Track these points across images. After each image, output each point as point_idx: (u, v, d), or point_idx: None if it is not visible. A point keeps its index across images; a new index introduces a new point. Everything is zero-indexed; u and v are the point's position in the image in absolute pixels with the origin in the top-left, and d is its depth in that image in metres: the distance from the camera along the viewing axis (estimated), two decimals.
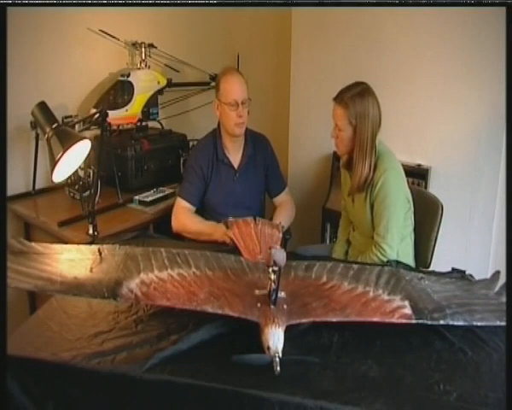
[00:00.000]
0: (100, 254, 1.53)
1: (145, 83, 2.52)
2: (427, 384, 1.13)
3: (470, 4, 1.93)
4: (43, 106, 1.77)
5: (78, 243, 1.74)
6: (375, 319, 1.28)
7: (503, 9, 1.60)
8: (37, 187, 2.34)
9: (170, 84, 2.68)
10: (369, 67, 2.43)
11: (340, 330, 1.30)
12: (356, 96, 1.80)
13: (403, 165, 1.94)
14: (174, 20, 2.90)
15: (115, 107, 2.40)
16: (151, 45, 2.58)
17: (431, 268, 1.95)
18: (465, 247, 2.35)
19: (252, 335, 1.20)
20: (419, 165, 2.40)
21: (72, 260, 1.49)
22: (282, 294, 1.31)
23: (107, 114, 2.02)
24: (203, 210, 2.18)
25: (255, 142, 2.23)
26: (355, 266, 1.57)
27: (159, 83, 2.60)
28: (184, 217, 2.09)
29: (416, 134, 2.42)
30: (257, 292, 1.32)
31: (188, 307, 1.27)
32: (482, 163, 2.25)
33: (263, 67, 3.32)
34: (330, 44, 2.63)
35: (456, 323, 1.29)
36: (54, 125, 1.71)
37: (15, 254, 1.47)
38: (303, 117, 2.84)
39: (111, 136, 2.35)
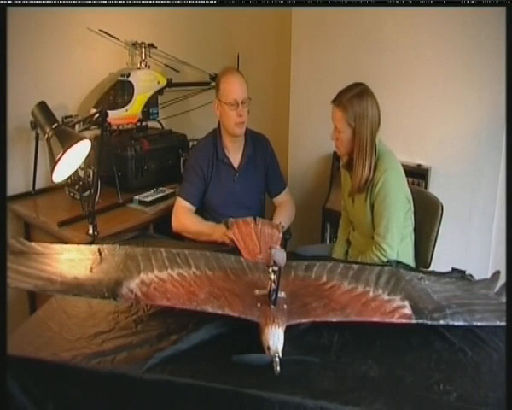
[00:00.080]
0: (100, 254, 1.53)
1: (145, 83, 2.52)
2: (427, 384, 1.13)
3: (470, 4, 1.93)
4: (43, 106, 1.77)
5: (78, 243, 1.74)
6: (375, 319, 1.28)
7: (503, 9, 1.60)
8: (37, 187, 2.34)
9: (170, 84, 2.68)
10: (369, 67, 2.43)
11: (340, 330, 1.30)
12: (354, 97, 1.80)
13: (403, 165, 1.94)
14: (174, 20, 2.90)
15: (115, 107, 2.40)
16: (151, 45, 2.58)
17: (431, 268, 1.95)
18: (465, 247, 2.35)
19: (252, 335, 1.20)
20: (419, 165, 2.40)
21: (72, 260, 1.49)
22: (282, 294, 1.31)
23: (107, 114, 2.02)
24: (203, 210, 2.18)
25: (255, 142, 2.23)
26: (355, 266, 1.57)
27: (159, 83, 2.60)
28: (184, 217, 2.09)
29: (416, 134, 2.42)
30: (257, 292, 1.32)
31: (188, 307, 1.27)
32: (482, 163, 2.24)
33: (263, 67, 3.32)
34: (330, 44, 2.63)
35: (456, 323, 1.29)
36: (54, 125, 1.71)
37: (15, 254, 1.47)
38: (303, 117, 2.84)
39: (111, 136, 2.35)
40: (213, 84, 2.67)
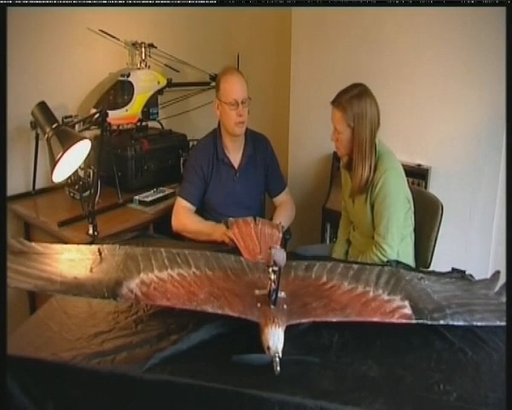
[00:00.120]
0: (100, 254, 1.53)
1: (145, 83, 2.52)
2: (427, 384, 1.13)
3: (470, 4, 1.93)
4: (43, 106, 1.77)
5: (78, 243, 1.74)
6: (375, 319, 1.28)
7: (503, 9, 1.60)
8: (37, 187, 2.34)
9: (170, 84, 2.68)
10: (369, 67, 2.43)
11: (340, 330, 1.30)
12: (353, 98, 1.80)
13: (403, 165, 1.94)
14: (174, 20, 2.90)
15: (115, 107, 2.40)
16: (151, 45, 2.58)
17: (431, 268, 1.95)
18: (465, 247, 2.35)
19: (252, 335, 1.20)
20: (419, 165, 2.40)
21: (72, 260, 1.49)
22: (282, 294, 1.31)
23: (107, 114, 2.02)
24: (203, 210, 2.19)
25: (255, 142, 2.23)
26: (355, 266, 1.57)
27: (159, 83, 2.60)
28: (184, 217, 2.09)
29: (416, 134, 2.42)
30: (257, 292, 1.32)
31: (188, 307, 1.27)
32: (482, 163, 2.24)
33: (263, 67, 3.32)
34: (330, 44, 2.63)
35: (456, 323, 1.29)
36: (54, 125, 1.71)
37: (15, 254, 1.47)
38: (303, 117, 2.84)
39: (111, 136, 2.35)
40: (213, 84, 2.67)
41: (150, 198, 2.28)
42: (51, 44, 2.36)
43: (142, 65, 2.55)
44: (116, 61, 2.57)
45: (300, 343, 1.26)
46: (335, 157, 2.62)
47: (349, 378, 1.15)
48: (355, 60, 2.52)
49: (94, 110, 2.22)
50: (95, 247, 1.58)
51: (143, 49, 2.54)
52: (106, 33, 2.47)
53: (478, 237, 2.32)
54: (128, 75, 2.43)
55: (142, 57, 2.55)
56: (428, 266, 1.98)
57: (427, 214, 2.00)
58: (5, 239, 1.38)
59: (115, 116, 2.37)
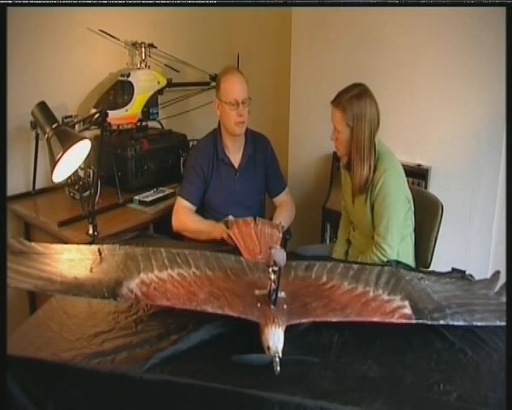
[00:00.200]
0: (100, 254, 1.53)
1: (145, 83, 2.52)
2: (427, 384, 1.13)
3: (470, 4, 1.93)
4: (43, 106, 1.77)
5: (78, 243, 1.74)
6: (375, 319, 1.28)
7: (503, 9, 1.60)
8: (37, 187, 2.34)
9: (170, 84, 2.68)
10: (369, 67, 2.43)
11: (340, 330, 1.30)
12: (353, 98, 1.80)
13: (403, 165, 1.94)
14: (174, 20, 2.90)
15: (115, 107, 2.40)
16: (151, 45, 2.58)
17: (431, 268, 1.95)
18: (465, 247, 2.35)
19: (252, 335, 1.20)
20: (419, 165, 2.40)
21: (72, 260, 1.49)
22: (282, 294, 1.31)
23: (107, 114, 2.02)
24: (203, 210, 2.19)
25: (255, 142, 2.23)
26: (355, 266, 1.57)
27: (159, 83, 2.60)
28: (185, 216, 2.09)
29: (416, 134, 2.42)
30: (257, 292, 1.32)
31: (188, 307, 1.27)
32: (482, 163, 2.24)
33: (263, 67, 3.32)
34: (330, 44, 2.63)
35: (456, 323, 1.29)
36: (54, 125, 1.71)
37: (15, 254, 1.47)
38: (303, 117, 2.84)
39: (111, 136, 2.35)
40: (213, 84, 2.67)
41: (150, 198, 2.28)
42: (51, 44, 2.36)
43: (142, 65, 2.55)
44: (116, 61, 2.57)
45: (300, 343, 1.26)
46: (335, 157, 2.62)
47: (349, 378, 1.15)
48: (355, 60, 2.52)
49: (94, 110, 2.22)
50: (95, 247, 1.58)
51: (143, 49, 2.54)
52: (106, 33, 2.47)
53: (478, 237, 2.32)
54: (128, 75, 2.43)
55: (142, 57, 2.54)
56: (428, 266, 1.98)
57: (427, 214, 2.00)
58: (5, 239, 1.38)
59: (115, 116, 2.36)
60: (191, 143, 2.61)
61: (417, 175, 2.37)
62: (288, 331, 1.20)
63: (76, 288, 1.32)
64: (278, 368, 1.08)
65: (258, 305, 1.26)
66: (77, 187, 2.17)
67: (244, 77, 2.11)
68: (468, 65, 2.20)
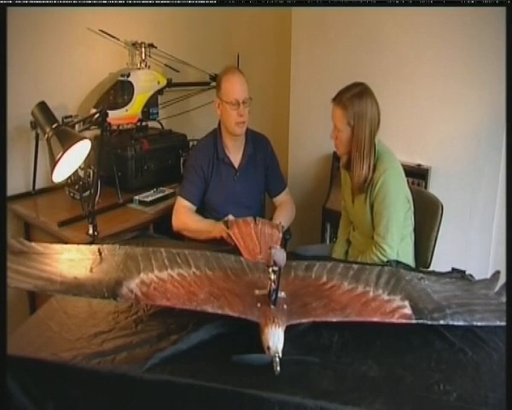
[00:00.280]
0: (100, 254, 1.52)
1: (145, 83, 2.52)
2: (427, 384, 1.13)
3: (470, 4, 1.93)
4: (43, 106, 1.77)
5: (78, 243, 1.74)
6: (375, 319, 1.28)
7: (503, 9, 1.60)
8: (37, 187, 2.34)
9: (170, 84, 2.68)
10: (369, 67, 2.43)
11: (340, 330, 1.30)
12: (354, 96, 1.80)
13: (403, 165, 1.94)
14: (174, 20, 2.90)
15: (115, 107, 2.40)
16: (151, 45, 2.58)
17: (431, 268, 1.95)
18: (465, 247, 2.35)
19: (252, 335, 1.20)
20: (419, 165, 2.40)
21: (72, 260, 1.49)
22: (282, 294, 1.31)
23: (107, 114, 2.02)
24: (203, 209, 2.19)
25: (255, 141, 2.23)
26: (355, 266, 1.57)
27: (159, 83, 2.60)
28: (185, 216, 2.09)
29: (416, 134, 2.42)
30: (257, 292, 1.32)
31: (188, 307, 1.27)
32: (482, 163, 2.24)
33: (263, 67, 3.32)
34: (330, 44, 2.63)
35: (456, 323, 1.29)
36: (54, 125, 1.71)
37: (15, 254, 1.47)
38: (303, 117, 2.84)
39: (111, 136, 2.35)
40: (213, 84, 2.67)
41: (150, 198, 2.28)
42: (51, 44, 2.36)
43: (142, 65, 2.55)
44: (116, 61, 2.57)
45: (300, 343, 1.26)
46: (335, 157, 2.62)
47: (349, 378, 1.15)
48: (355, 60, 2.52)
49: (94, 110, 2.22)
50: (95, 247, 1.58)
51: (143, 49, 2.54)
52: (106, 33, 2.47)
53: (478, 237, 2.32)
54: (128, 75, 2.43)
55: (142, 57, 2.55)
56: (428, 266, 1.98)
57: (427, 214, 2.00)
58: (5, 239, 1.38)
59: (115, 116, 2.37)
60: (191, 143, 2.61)
61: (417, 175, 2.37)
62: (288, 331, 1.20)
63: (76, 288, 1.32)
64: (278, 368, 1.08)
65: (258, 305, 1.26)
66: (77, 187, 2.17)
67: (245, 77, 2.11)
68: (468, 65, 2.20)
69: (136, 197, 2.28)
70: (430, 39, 2.28)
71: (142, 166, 2.41)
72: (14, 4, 1.64)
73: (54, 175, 1.71)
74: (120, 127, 2.51)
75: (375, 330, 1.29)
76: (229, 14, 3.14)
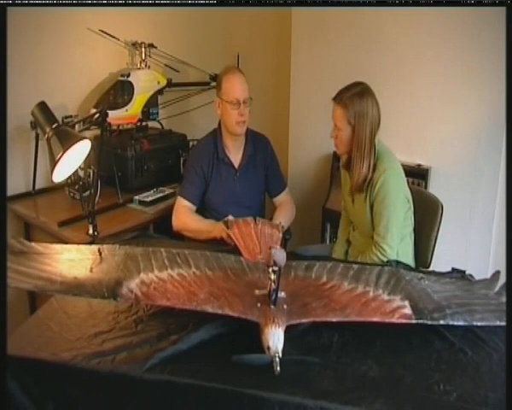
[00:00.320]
0: (100, 254, 1.52)
1: (145, 83, 2.52)
2: (427, 384, 1.13)
3: (470, 4, 1.93)
4: (43, 106, 1.77)
5: (78, 243, 1.74)
6: (375, 319, 1.28)
7: (503, 9, 1.60)
8: (37, 187, 2.34)
9: (170, 84, 2.68)
10: (369, 67, 2.43)
11: (340, 330, 1.30)
12: (355, 96, 1.80)
13: (403, 165, 1.94)
14: (174, 20, 2.90)
15: (115, 107, 2.40)
16: (151, 45, 2.58)
17: (431, 268, 1.95)
18: (465, 247, 2.35)
19: (252, 335, 1.20)
20: (419, 165, 2.40)
21: (72, 260, 1.49)
22: (282, 294, 1.31)
23: (107, 114, 2.02)
24: (203, 209, 2.19)
25: (255, 141, 2.23)
26: (355, 266, 1.57)
27: (159, 83, 2.60)
28: (185, 216, 2.09)
29: (416, 134, 2.42)
30: (257, 292, 1.32)
31: (188, 307, 1.27)
32: (482, 163, 2.24)
33: (263, 67, 3.32)
34: (330, 44, 2.63)
35: (456, 323, 1.29)
36: (54, 125, 1.71)
37: (15, 254, 1.47)
38: (303, 117, 2.84)
39: (111, 136, 2.35)
40: (213, 84, 2.67)
41: (150, 198, 2.28)
42: (51, 44, 2.36)
43: (142, 65, 2.55)
44: (116, 61, 2.57)
45: (300, 343, 1.26)
46: (335, 157, 2.62)
47: (349, 378, 1.15)
48: (355, 60, 2.52)
49: (94, 110, 2.22)
50: (95, 247, 1.58)
51: (143, 49, 2.54)
52: (106, 33, 2.47)
53: (478, 237, 2.32)
54: (128, 75, 2.43)
55: (142, 57, 2.55)
56: (428, 266, 1.98)
57: (427, 214, 2.00)
58: (5, 239, 1.38)
59: (115, 116, 2.37)
60: (191, 143, 2.61)
61: (417, 175, 2.37)
62: (288, 331, 1.20)
63: (76, 288, 1.32)
64: (278, 368, 1.08)
65: (258, 305, 1.26)
66: (77, 187, 2.17)
67: (245, 76, 2.11)
68: (468, 65, 2.20)
69: (136, 197, 2.28)
70: (430, 39, 2.28)
71: (142, 166, 2.41)
72: (14, 4, 1.64)
73: (54, 175, 1.72)
74: (120, 127, 2.51)
75: (375, 330, 1.29)
76: (229, 14, 3.14)
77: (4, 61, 1.37)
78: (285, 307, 1.27)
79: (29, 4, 1.90)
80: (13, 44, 2.03)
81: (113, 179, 2.26)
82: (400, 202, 1.86)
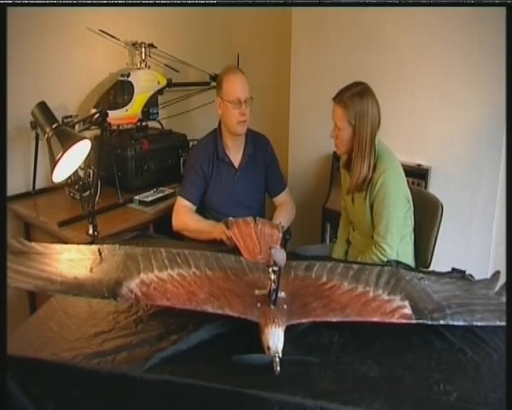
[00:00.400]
0: (100, 254, 1.52)
1: (145, 83, 2.52)
2: (427, 384, 1.13)
3: (470, 4, 1.93)
4: (43, 106, 1.77)
5: (78, 243, 1.74)
6: (375, 319, 1.28)
7: (503, 9, 1.60)
8: (37, 187, 2.34)
9: (170, 84, 2.68)
10: (369, 67, 2.43)
11: (340, 330, 1.30)
12: (355, 95, 1.80)
13: (403, 165, 1.94)
14: (174, 20, 2.90)
15: (115, 107, 2.40)
16: (151, 45, 2.58)
17: (431, 268, 1.95)
18: (465, 247, 2.35)
19: (252, 335, 1.20)
20: (419, 165, 2.40)
21: (72, 260, 1.49)
22: (282, 294, 1.31)
23: (107, 114, 2.02)
24: (203, 209, 2.19)
25: (255, 141, 2.23)
26: (355, 266, 1.57)
27: (159, 83, 2.60)
28: (185, 216, 2.09)
29: (416, 134, 2.42)
30: (257, 292, 1.32)
31: (188, 307, 1.27)
32: (482, 163, 2.25)
33: (263, 67, 3.32)
34: (330, 44, 2.63)
35: (456, 323, 1.29)
36: (54, 125, 1.71)
37: (15, 254, 1.47)
38: (303, 117, 2.84)
39: (111, 136, 2.35)
40: (213, 84, 2.67)
41: (150, 198, 2.28)
42: (51, 44, 2.36)
43: (142, 65, 2.55)
44: (116, 61, 2.57)
45: (300, 343, 1.26)
46: (335, 157, 2.62)
47: (349, 378, 1.15)
48: (355, 60, 2.52)
49: (94, 110, 2.22)
50: (95, 247, 1.58)
51: (143, 49, 2.54)
52: (106, 33, 2.48)
53: (478, 237, 2.32)
54: (128, 75, 2.43)
55: (142, 57, 2.55)
56: (428, 266, 1.98)
57: (427, 214, 2.00)
58: (5, 239, 1.38)
59: (115, 116, 2.36)
60: (191, 143, 2.61)
61: (417, 175, 2.37)
62: (288, 331, 1.20)
63: (76, 288, 1.32)
64: (278, 368, 1.08)
65: (258, 305, 1.26)
66: (77, 187, 2.17)
67: (245, 76, 2.11)
68: (468, 65, 2.20)
69: (136, 197, 2.28)
70: (430, 39, 2.28)
71: (142, 166, 2.41)
72: (14, 4, 1.64)
73: (54, 175, 1.72)
74: (120, 127, 2.51)
75: (375, 330, 1.29)
76: (229, 14, 3.14)
77: (4, 61, 1.37)
78: (285, 307, 1.27)
79: (29, 4, 1.90)
80: (13, 44, 2.03)
81: (113, 179, 2.26)
82: (400, 202, 1.86)
